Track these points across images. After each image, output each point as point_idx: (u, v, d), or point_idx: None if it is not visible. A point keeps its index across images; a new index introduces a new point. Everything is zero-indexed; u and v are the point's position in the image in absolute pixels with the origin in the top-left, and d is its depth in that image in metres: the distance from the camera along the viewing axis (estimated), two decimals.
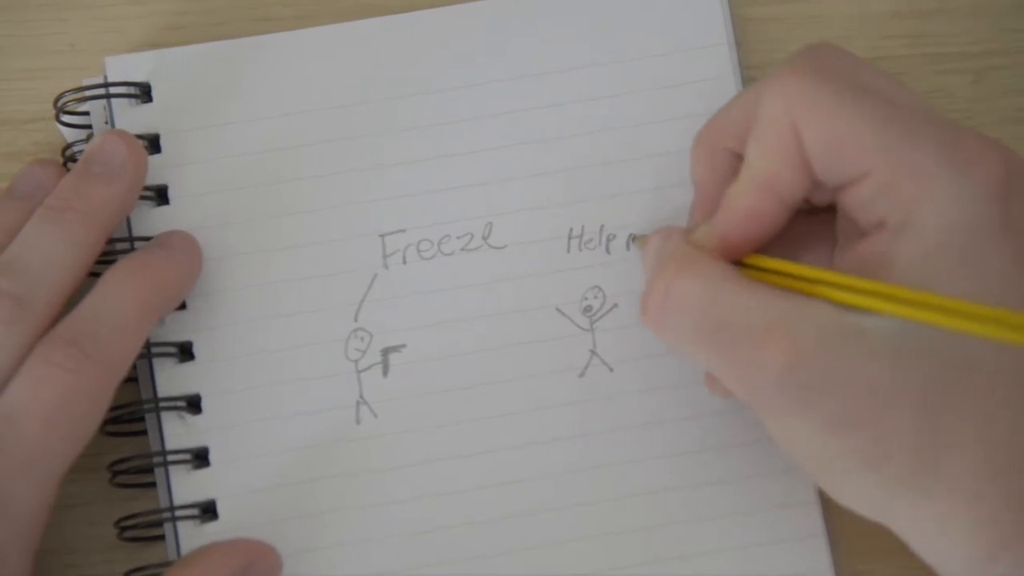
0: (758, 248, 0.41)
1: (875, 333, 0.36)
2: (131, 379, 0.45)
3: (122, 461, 0.45)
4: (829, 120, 0.38)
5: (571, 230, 0.47)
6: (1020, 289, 0.37)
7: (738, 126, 0.42)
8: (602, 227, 0.47)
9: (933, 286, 0.36)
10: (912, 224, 0.37)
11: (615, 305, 0.46)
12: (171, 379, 0.46)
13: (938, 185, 0.37)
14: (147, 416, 0.45)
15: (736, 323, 0.37)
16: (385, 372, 0.46)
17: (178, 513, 0.45)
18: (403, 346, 0.46)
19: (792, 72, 0.39)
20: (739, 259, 0.41)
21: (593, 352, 0.46)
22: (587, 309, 0.46)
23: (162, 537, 0.45)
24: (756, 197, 0.40)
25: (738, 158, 0.42)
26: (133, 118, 0.47)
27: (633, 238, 0.46)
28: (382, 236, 0.47)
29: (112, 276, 0.43)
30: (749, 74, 0.48)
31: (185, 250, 0.46)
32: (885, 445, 0.36)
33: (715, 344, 0.38)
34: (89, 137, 0.47)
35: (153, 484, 0.45)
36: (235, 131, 0.47)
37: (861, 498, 0.38)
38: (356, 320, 0.46)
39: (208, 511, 0.45)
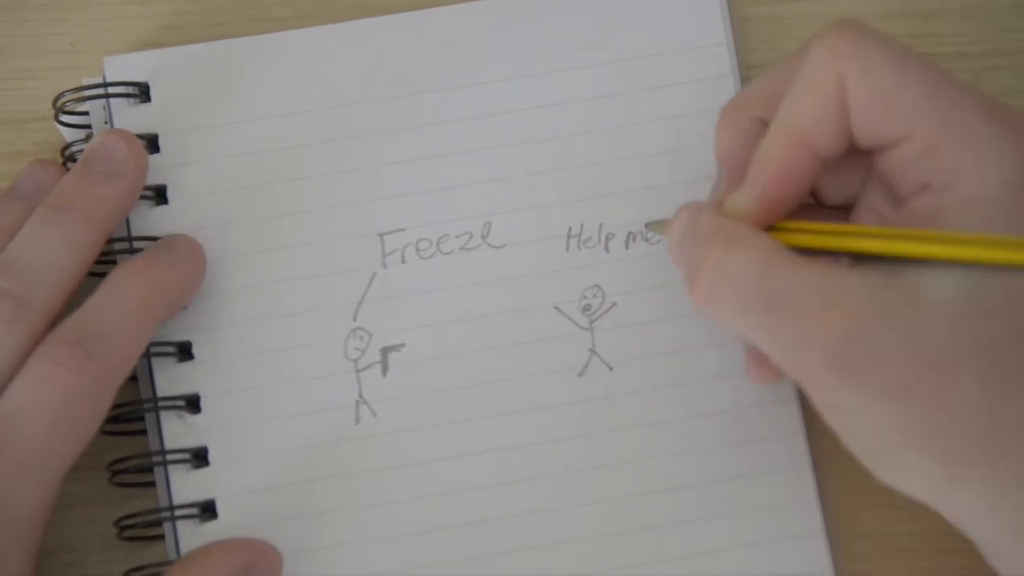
0: (791, 208, 0.40)
1: (930, 298, 0.36)
2: (131, 378, 0.45)
3: (121, 460, 0.45)
4: (879, 75, 0.38)
5: (570, 229, 0.47)
6: None
7: (771, 94, 0.41)
8: (601, 226, 0.47)
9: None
10: (958, 185, 0.37)
11: (614, 304, 0.46)
12: (170, 379, 0.46)
13: (983, 146, 0.37)
14: (147, 416, 0.45)
15: (788, 299, 0.37)
16: (384, 371, 0.46)
17: (177, 513, 0.45)
18: (402, 345, 0.46)
19: (840, 31, 0.39)
20: (773, 223, 0.40)
21: (592, 351, 0.46)
22: (586, 308, 0.46)
23: (162, 537, 0.45)
24: (789, 148, 0.39)
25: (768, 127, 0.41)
26: (132, 118, 0.47)
27: (648, 225, 0.46)
28: (381, 235, 0.47)
29: (116, 277, 0.43)
30: (749, 74, 0.48)
31: (189, 254, 0.46)
32: (949, 413, 0.35)
33: (767, 320, 0.38)
34: (88, 137, 0.47)
35: (153, 484, 0.45)
36: (234, 131, 0.47)
37: (917, 475, 0.37)
38: (355, 320, 0.46)
39: (207, 511, 0.45)
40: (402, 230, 0.47)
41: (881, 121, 0.38)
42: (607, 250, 0.47)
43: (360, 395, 0.46)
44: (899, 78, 0.38)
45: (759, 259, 0.38)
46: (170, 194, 0.47)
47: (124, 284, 0.43)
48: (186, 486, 0.45)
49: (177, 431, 0.45)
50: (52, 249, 0.42)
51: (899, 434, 0.36)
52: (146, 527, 0.45)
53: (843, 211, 0.42)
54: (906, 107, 0.38)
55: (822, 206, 0.42)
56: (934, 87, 0.38)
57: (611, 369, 0.46)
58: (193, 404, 0.45)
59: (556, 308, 0.46)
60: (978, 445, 0.35)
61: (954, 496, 0.37)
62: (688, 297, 0.40)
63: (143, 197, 0.46)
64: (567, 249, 0.47)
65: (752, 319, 0.38)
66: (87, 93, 0.47)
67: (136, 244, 0.46)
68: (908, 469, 0.37)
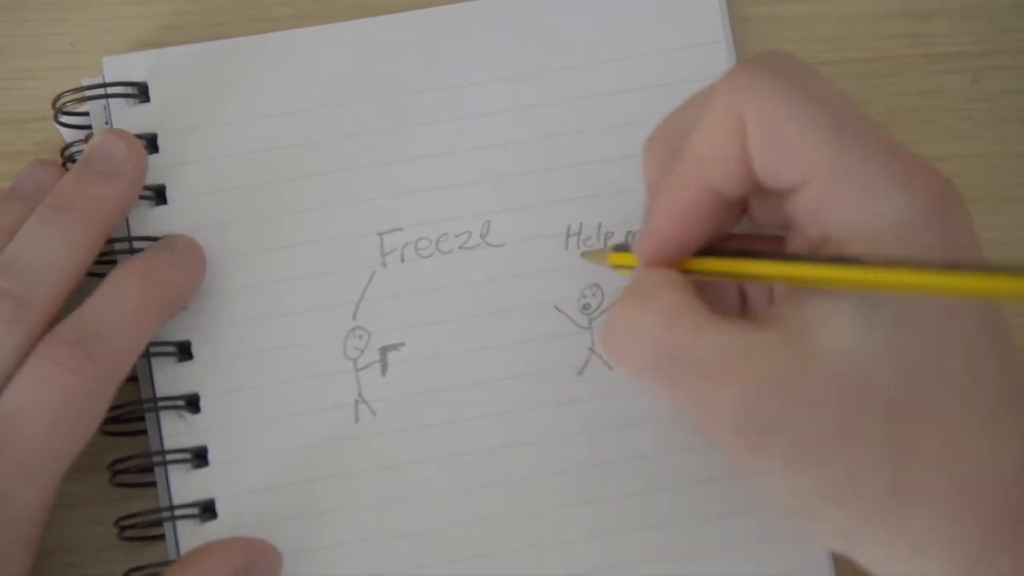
0: (697, 245, 0.39)
1: (825, 356, 0.35)
2: (131, 378, 0.45)
3: (122, 461, 0.45)
4: (775, 115, 0.36)
5: (569, 228, 0.47)
6: None
7: (689, 125, 0.40)
8: (600, 225, 0.47)
9: None
10: (853, 239, 0.36)
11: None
12: (170, 378, 0.46)
13: (880, 196, 0.35)
14: (147, 415, 0.45)
15: (694, 361, 0.36)
16: (384, 371, 0.46)
17: (177, 512, 0.45)
18: (401, 344, 0.46)
19: (746, 67, 0.37)
20: (681, 259, 0.39)
21: (592, 350, 0.46)
22: (585, 307, 0.46)
23: (162, 537, 0.45)
24: (687, 186, 0.38)
25: None
26: (131, 118, 0.47)
27: (583, 255, 0.46)
28: (380, 235, 0.47)
29: (116, 277, 0.43)
30: None
31: (189, 254, 0.46)
32: (855, 472, 0.35)
33: (674, 382, 0.37)
34: (88, 137, 0.47)
35: (153, 483, 0.45)
36: (233, 130, 0.47)
37: (833, 533, 0.37)
38: (354, 319, 0.46)
39: (207, 510, 0.45)
40: (401, 229, 0.47)
41: (777, 165, 0.37)
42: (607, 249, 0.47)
43: (359, 394, 0.46)
44: (798, 121, 0.36)
45: (667, 320, 0.37)
46: (169, 194, 0.47)
47: (124, 284, 0.43)
48: (186, 486, 0.45)
49: (177, 431, 0.45)
50: (51, 249, 0.42)
51: (810, 496, 0.36)
52: (146, 527, 0.45)
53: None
54: (801, 152, 0.36)
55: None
56: (833, 133, 0.36)
57: (611, 368, 0.46)
58: (193, 404, 0.45)
59: (555, 307, 0.46)
60: (885, 504, 0.35)
61: (868, 552, 0.37)
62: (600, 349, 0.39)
63: (142, 197, 0.46)
64: (566, 248, 0.47)
65: (659, 380, 0.37)
66: (86, 93, 0.47)
67: (136, 244, 0.46)
68: (823, 527, 0.37)
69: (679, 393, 0.37)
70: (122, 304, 0.43)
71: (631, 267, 0.41)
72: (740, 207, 0.40)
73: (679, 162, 0.39)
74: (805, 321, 0.36)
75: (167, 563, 0.44)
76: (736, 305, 0.42)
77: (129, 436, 0.46)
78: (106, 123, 0.47)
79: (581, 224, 0.47)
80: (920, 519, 0.35)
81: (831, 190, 0.36)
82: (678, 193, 0.39)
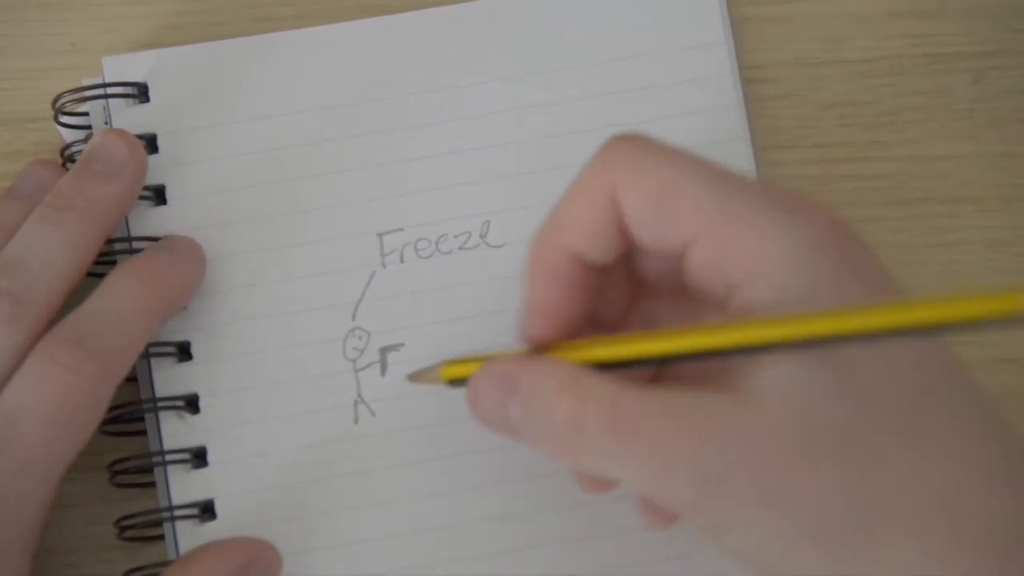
0: (573, 322, 0.39)
1: (769, 399, 0.35)
2: (130, 379, 0.45)
3: (121, 461, 0.45)
4: (656, 179, 0.37)
5: None
6: None
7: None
8: None
9: None
10: (759, 276, 0.36)
11: None
12: (169, 379, 0.46)
13: (773, 234, 0.35)
14: (146, 416, 0.45)
15: (642, 434, 0.36)
16: (383, 371, 0.46)
17: (177, 513, 0.45)
18: (401, 345, 0.46)
19: (616, 141, 0.38)
20: (560, 337, 0.39)
21: None
22: None
23: (161, 537, 0.45)
24: (563, 259, 0.38)
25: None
26: (131, 118, 0.47)
27: (410, 376, 0.44)
28: (380, 235, 0.47)
29: (115, 277, 0.43)
30: (748, 74, 0.48)
31: (189, 255, 0.46)
32: (817, 509, 0.34)
33: (626, 461, 0.36)
34: (88, 137, 0.47)
35: (152, 484, 0.45)
36: (233, 131, 0.47)
37: (804, 571, 0.36)
38: (354, 319, 0.46)
39: (207, 511, 0.45)
40: (401, 230, 0.47)
41: (664, 226, 0.37)
42: None
43: (359, 395, 0.46)
44: (679, 181, 0.36)
45: (604, 400, 0.36)
46: (169, 194, 0.47)
47: (123, 284, 0.43)
48: (185, 486, 0.45)
49: (177, 431, 0.45)
50: (51, 249, 0.42)
51: (779, 540, 0.35)
52: (146, 527, 0.45)
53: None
54: (687, 210, 0.36)
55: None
56: (713, 185, 0.36)
57: None
58: (192, 404, 0.45)
59: None
60: (850, 535, 0.34)
61: None
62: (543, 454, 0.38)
63: (142, 197, 0.46)
64: None
65: (614, 463, 0.37)
66: (86, 93, 0.47)
67: (136, 244, 0.46)
68: (795, 569, 0.36)
69: (638, 471, 0.36)
70: (122, 304, 0.43)
71: (466, 378, 0.40)
72: (616, 274, 0.40)
73: (548, 234, 0.39)
74: (746, 369, 0.35)
75: (167, 563, 0.44)
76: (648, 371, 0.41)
77: (129, 436, 0.46)
78: (106, 123, 0.47)
79: None
80: (900, 543, 0.34)
81: (724, 239, 0.36)
82: (549, 266, 0.39)
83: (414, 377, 0.44)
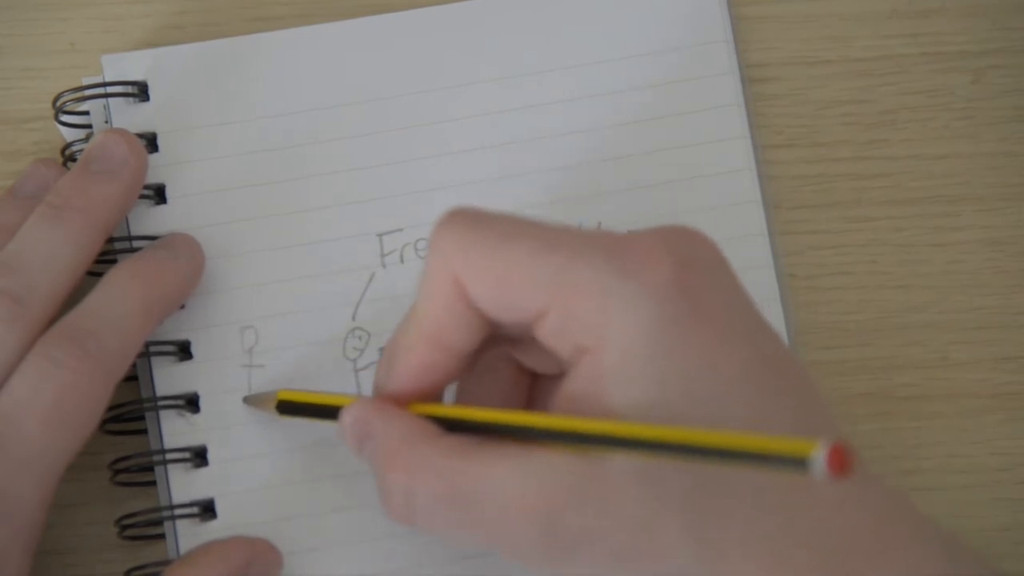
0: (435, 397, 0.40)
1: (616, 465, 0.35)
2: (131, 378, 0.45)
3: (122, 460, 0.45)
4: (490, 262, 0.37)
5: None
6: (723, 373, 0.36)
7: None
8: (600, 224, 0.47)
9: (637, 399, 0.35)
10: (606, 341, 0.36)
11: None
12: (170, 378, 0.46)
13: (612, 300, 0.36)
14: (147, 415, 0.45)
15: (484, 498, 0.36)
16: None
17: (177, 512, 0.45)
18: None
19: (445, 226, 0.38)
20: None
21: None
22: None
23: (162, 536, 0.45)
24: (426, 350, 0.39)
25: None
26: (131, 117, 0.47)
27: (246, 399, 0.45)
28: (379, 235, 0.47)
29: (114, 276, 0.43)
30: (749, 73, 0.48)
31: (188, 253, 0.46)
32: (667, 572, 0.35)
33: (474, 527, 0.37)
34: (88, 136, 0.47)
35: (153, 483, 0.45)
36: (233, 130, 0.47)
37: None
38: (354, 319, 0.46)
39: (207, 510, 0.45)
40: (401, 230, 0.47)
41: (509, 302, 0.37)
42: None
43: (359, 395, 0.46)
44: (511, 259, 0.37)
45: (444, 473, 0.37)
46: (169, 193, 0.47)
47: (122, 282, 0.43)
48: (186, 485, 0.45)
49: (177, 430, 0.45)
50: (51, 248, 0.42)
51: None
52: (146, 526, 0.45)
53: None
54: (526, 288, 0.37)
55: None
56: (548, 255, 0.36)
57: None
58: (193, 403, 0.45)
59: None
60: None
61: None
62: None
63: (142, 196, 0.46)
64: None
65: (463, 530, 0.37)
66: (86, 93, 0.47)
67: (135, 244, 0.46)
68: None
69: (487, 537, 0.37)
70: (120, 302, 0.43)
71: (296, 411, 0.41)
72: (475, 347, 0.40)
73: (412, 321, 0.39)
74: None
75: (167, 563, 0.44)
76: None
77: (129, 435, 0.46)
78: (106, 122, 0.47)
79: (581, 224, 0.47)
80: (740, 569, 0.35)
81: (567, 312, 0.36)
82: (412, 354, 0.39)
83: (249, 400, 0.45)
